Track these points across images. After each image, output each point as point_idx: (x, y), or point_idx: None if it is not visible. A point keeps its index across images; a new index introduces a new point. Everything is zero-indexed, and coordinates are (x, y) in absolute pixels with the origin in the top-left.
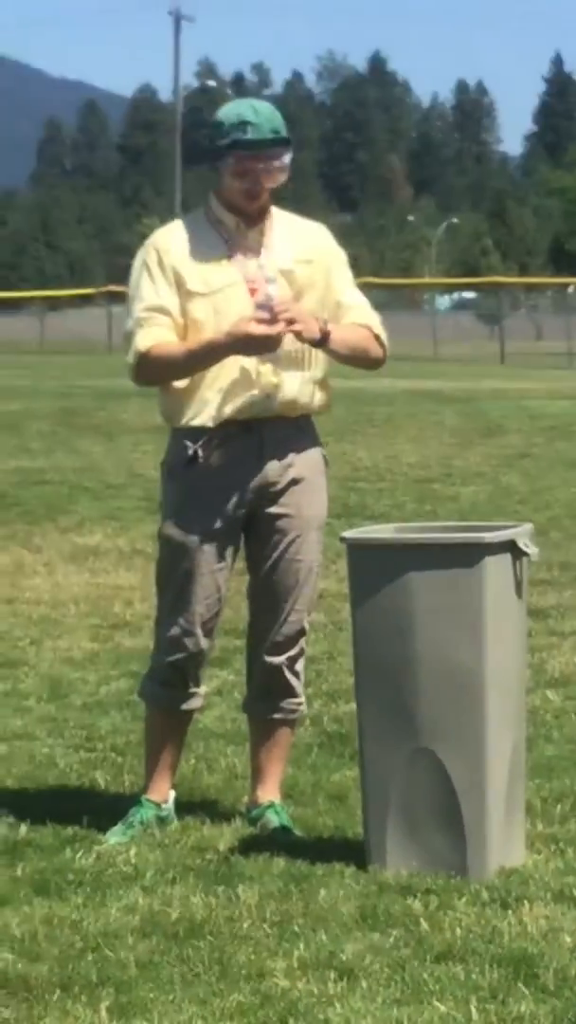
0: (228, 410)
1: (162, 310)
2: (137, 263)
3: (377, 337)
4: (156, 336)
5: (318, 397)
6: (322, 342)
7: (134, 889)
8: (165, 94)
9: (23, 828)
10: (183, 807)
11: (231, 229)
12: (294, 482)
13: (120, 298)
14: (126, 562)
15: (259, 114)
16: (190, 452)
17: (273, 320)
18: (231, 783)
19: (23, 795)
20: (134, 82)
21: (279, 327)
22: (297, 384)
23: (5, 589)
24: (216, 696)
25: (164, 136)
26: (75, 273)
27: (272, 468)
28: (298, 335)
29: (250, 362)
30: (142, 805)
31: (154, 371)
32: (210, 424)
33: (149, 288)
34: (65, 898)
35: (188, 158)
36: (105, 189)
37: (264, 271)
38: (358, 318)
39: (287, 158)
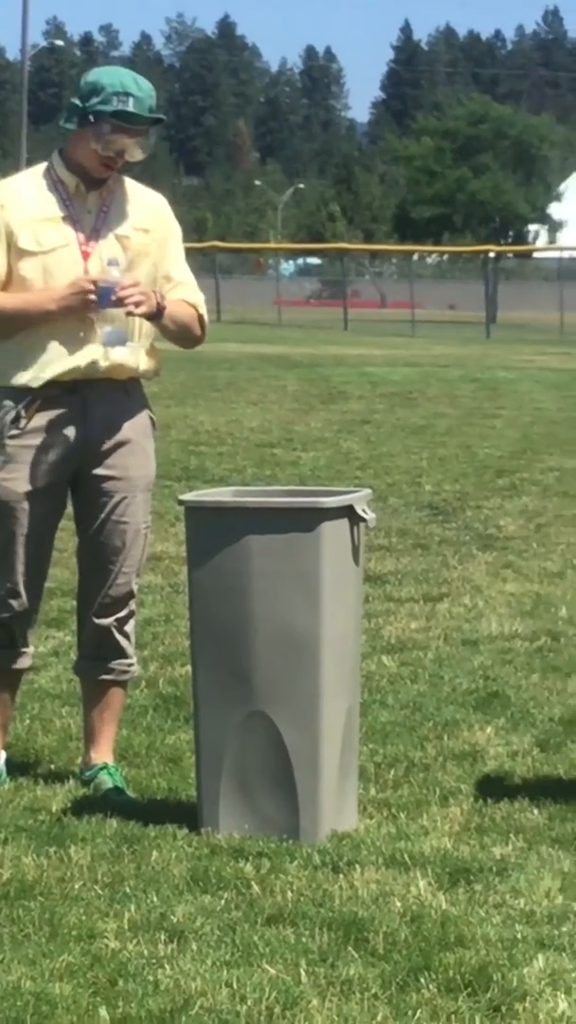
0: (51, 371)
1: None
2: None
3: (200, 318)
4: None
5: (146, 362)
6: (156, 316)
7: None
8: (12, 52)
9: None
10: (17, 767)
11: (71, 190)
12: (119, 444)
13: None
14: None
15: (141, 89)
16: (13, 413)
17: (119, 303)
18: (65, 744)
19: None
20: None
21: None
22: (124, 350)
23: None
24: (52, 657)
25: (10, 95)
26: None
27: (95, 430)
28: (143, 315)
29: (76, 325)
30: None
31: None
32: (33, 384)
33: None
34: None
35: (35, 118)
36: None
37: (107, 252)
38: (186, 296)
39: (153, 136)
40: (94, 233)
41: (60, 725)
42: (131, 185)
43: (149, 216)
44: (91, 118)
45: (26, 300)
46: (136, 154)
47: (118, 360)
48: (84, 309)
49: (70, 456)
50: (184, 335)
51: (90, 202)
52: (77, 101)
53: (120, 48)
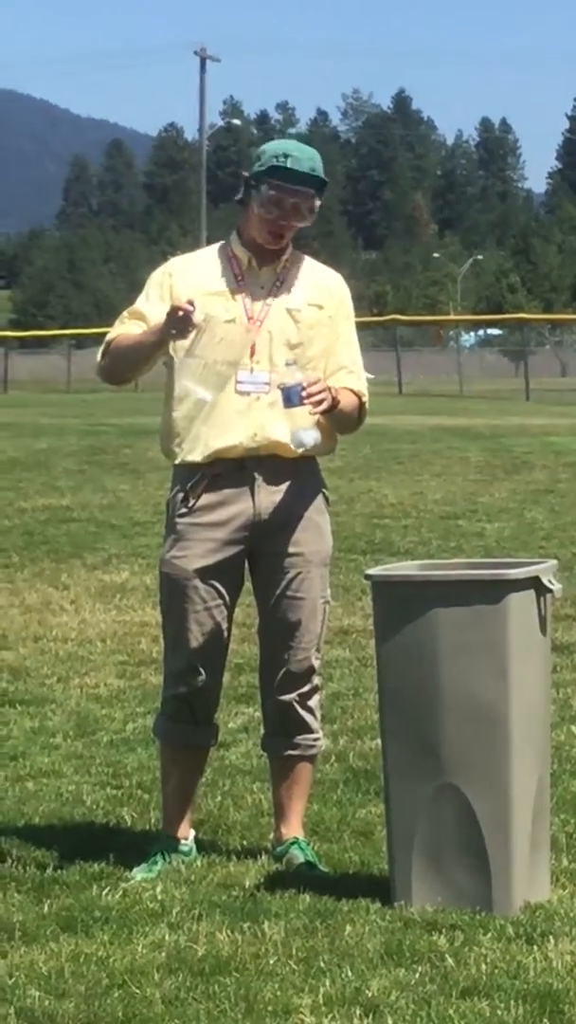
0: (218, 446)
1: (141, 316)
2: (148, 279)
3: (362, 406)
4: (126, 330)
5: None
6: (329, 410)
7: (160, 926)
8: (190, 133)
9: (50, 865)
10: (209, 844)
11: (244, 264)
12: (292, 520)
13: None
14: (152, 599)
15: (301, 151)
16: (184, 489)
17: (299, 404)
18: (257, 820)
19: (50, 832)
20: (159, 121)
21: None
22: (291, 427)
23: (33, 626)
24: (242, 733)
25: (189, 174)
26: (101, 311)
27: (265, 506)
28: (322, 412)
29: (243, 401)
30: (162, 842)
31: (115, 358)
32: (200, 460)
33: (142, 299)
34: (91, 935)
35: (214, 196)
36: (131, 228)
37: (276, 327)
38: (352, 384)
39: (317, 202)
40: (264, 308)
41: (251, 801)
42: (308, 263)
43: (324, 294)
44: (253, 182)
45: (140, 336)
46: (302, 217)
47: (283, 439)
48: (173, 333)
49: (241, 533)
50: (344, 424)
51: (263, 277)
52: (245, 173)
53: (297, 125)
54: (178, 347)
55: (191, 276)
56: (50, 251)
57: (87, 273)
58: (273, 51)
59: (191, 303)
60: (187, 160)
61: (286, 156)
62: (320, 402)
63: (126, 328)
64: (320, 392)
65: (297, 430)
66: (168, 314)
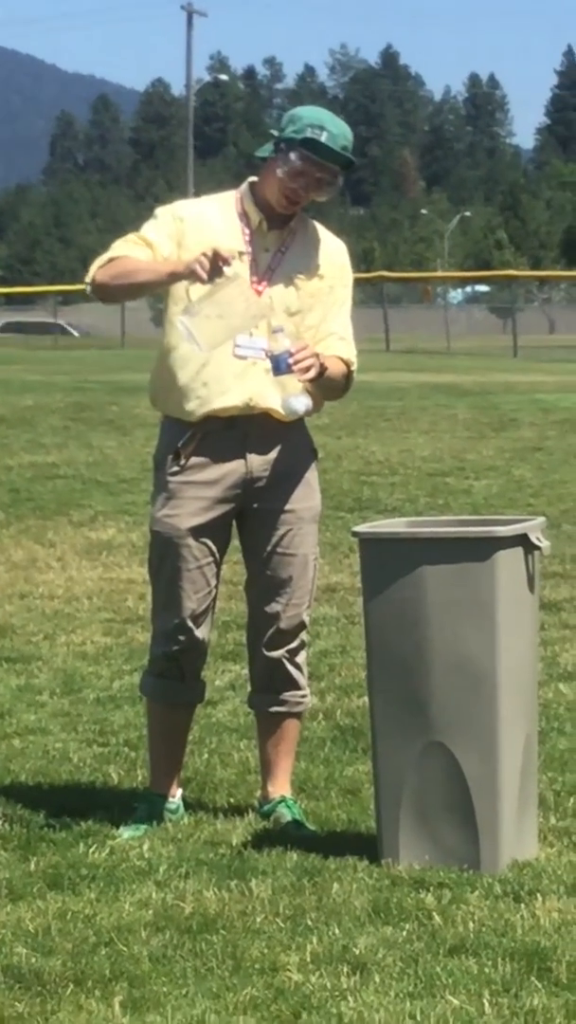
0: (211, 405)
1: (148, 243)
2: (155, 214)
3: (350, 374)
4: (133, 251)
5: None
6: (317, 377)
7: (147, 883)
8: (177, 88)
9: (36, 823)
10: (196, 802)
11: (253, 225)
12: (282, 477)
13: None
14: (139, 556)
15: (337, 126)
16: (175, 446)
17: (288, 371)
18: (244, 777)
19: (37, 790)
20: (146, 76)
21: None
22: (282, 391)
23: (19, 584)
24: (229, 690)
25: (176, 130)
26: (88, 267)
27: (256, 463)
28: (310, 380)
29: (240, 365)
30: (149, 800)
31: (116, 276)
32: (191, 418)
33: (151, 230)
34: (78, 892)
35: (200, 152)
36: (118, 183)
37: (278, 294)
38: (341, 352)
39: (341, 180)
40: (268, 273)
41: (238, 759)
42: (315, 229)
43: (326, 262)
44: (282, 146)
45: (150, 262)
46: (323, 193)
47: (274, 404)
48: (198, 274)
49: (232, 491)
50: (330, 391)
51: (269, 240)
52: (275, 132)
53: (284, 81)
54: (189, 292)
55: (201, 227)
56: (36, 207)
57: (73, 229)
58: (260, 6)
59: (234, 256)
60: (174, 115)
61: (322, 129)
62: (307, 368)
63: (131, 250)
64: (308, 359)
65: (288, 397)
66: (207, 256)
